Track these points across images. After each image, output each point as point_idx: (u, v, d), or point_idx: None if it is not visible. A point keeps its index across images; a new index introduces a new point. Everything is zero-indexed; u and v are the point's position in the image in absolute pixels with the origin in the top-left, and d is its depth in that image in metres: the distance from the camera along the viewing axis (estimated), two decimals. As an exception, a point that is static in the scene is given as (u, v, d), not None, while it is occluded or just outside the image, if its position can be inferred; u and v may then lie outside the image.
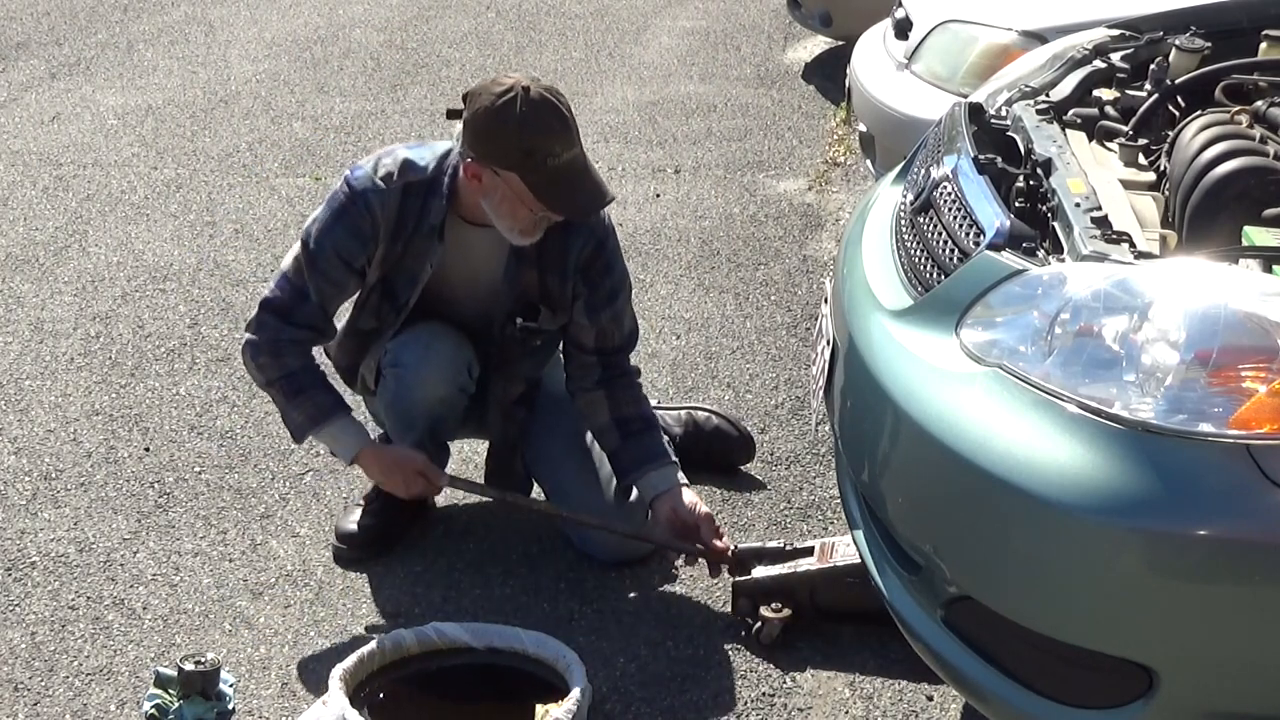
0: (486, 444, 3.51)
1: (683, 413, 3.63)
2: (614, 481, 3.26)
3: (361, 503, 3.37)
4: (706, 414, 3.64)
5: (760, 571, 3.05)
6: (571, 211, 3.00)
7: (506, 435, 3.33)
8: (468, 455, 3.62)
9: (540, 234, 3.03)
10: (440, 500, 3.50)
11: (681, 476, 3.18)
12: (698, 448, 3.56)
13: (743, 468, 3.62)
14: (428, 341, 3.17)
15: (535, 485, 3.38)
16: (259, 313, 3.11)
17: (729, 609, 3.09)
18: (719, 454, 3.61)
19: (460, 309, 3.22)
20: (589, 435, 3.30)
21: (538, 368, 3.34)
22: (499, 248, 3.11)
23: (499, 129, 2.87)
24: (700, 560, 3.15)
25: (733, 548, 3.14)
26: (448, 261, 3.11)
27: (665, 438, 3.27)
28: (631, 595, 3.19)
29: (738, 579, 3.07)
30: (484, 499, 3.45)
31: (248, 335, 3.11)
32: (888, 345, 2.47)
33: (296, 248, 3.11)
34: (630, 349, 3.27)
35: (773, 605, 3.01)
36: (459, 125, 2.99)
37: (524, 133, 2.86)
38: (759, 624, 3.01)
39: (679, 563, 3.22)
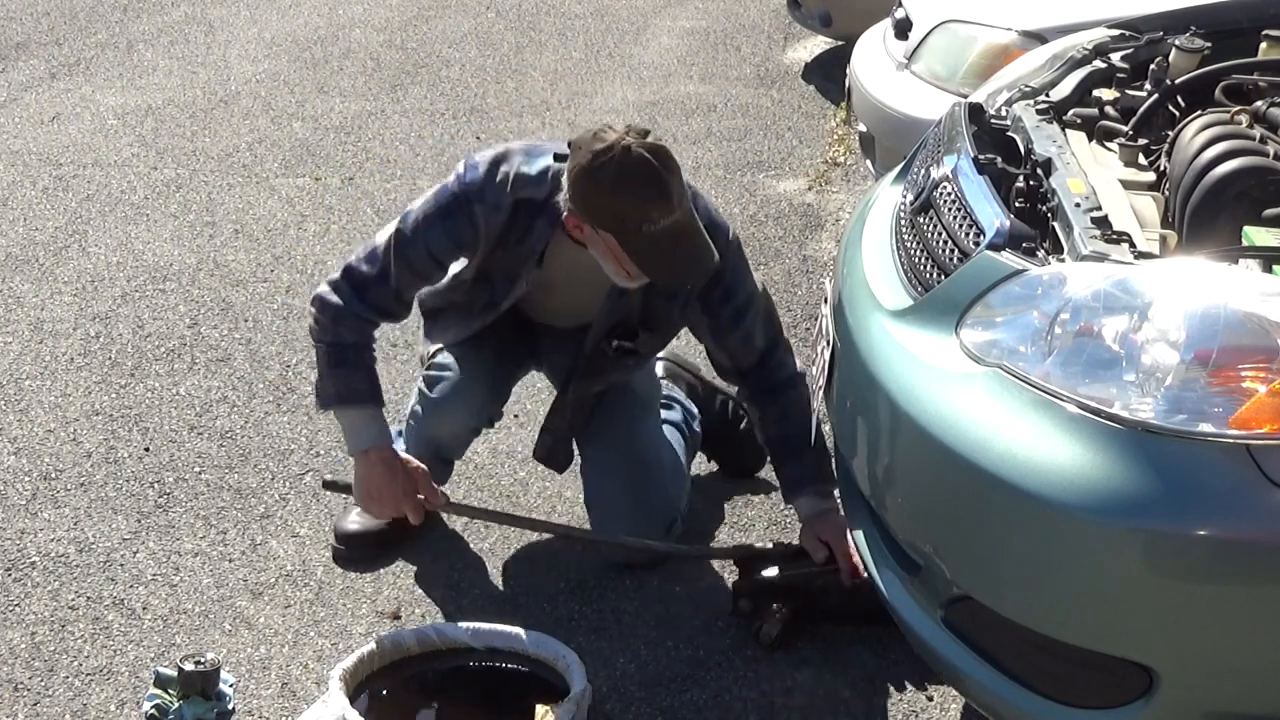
0: (483, 457, 3.51)
1: (731, 403, 3.59)
2: (655, 507, 3.23)
3: None
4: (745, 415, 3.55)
5: (761, 572, 3.05)
6: (665, 279, 2.89)
7: (576, 417, 3.25)
8: (470, 456, 3.62)
9: (646, 280, 2.91)
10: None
11: (828, 502, 3.06)
12: (726, 440, 3.54)
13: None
14: (462, 380, 3.18)
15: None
16: (340, 276, 3.04)
17: (729, 609, 3.09)
18: (738, 455, 3.59)
19: (555, 314, 3.20)
20: (647, 439, 3.27)
21: (627, 375, 3.29)
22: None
23: (594, 191, 2.76)
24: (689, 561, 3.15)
25: (733, 548, 3.15)
26: (550, 273, 3.03)
27: (816, 450, 3.10)
28: (631, 595, 3.19)
29: (738, 579, 3.07)
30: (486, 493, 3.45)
31: (323, 287, 3.06)
32: (888, 345, 2.47)
33: (393, 225, 3.02)
34: (772, 360, 3.13)
35: (773, 606, 3.01)
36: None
37: (618, 198, 2.75)
38: (759, 624, 3.01)
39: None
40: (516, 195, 2.92)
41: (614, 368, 3.20)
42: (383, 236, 3.03)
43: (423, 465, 3.16)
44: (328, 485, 3.30)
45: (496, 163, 2.96)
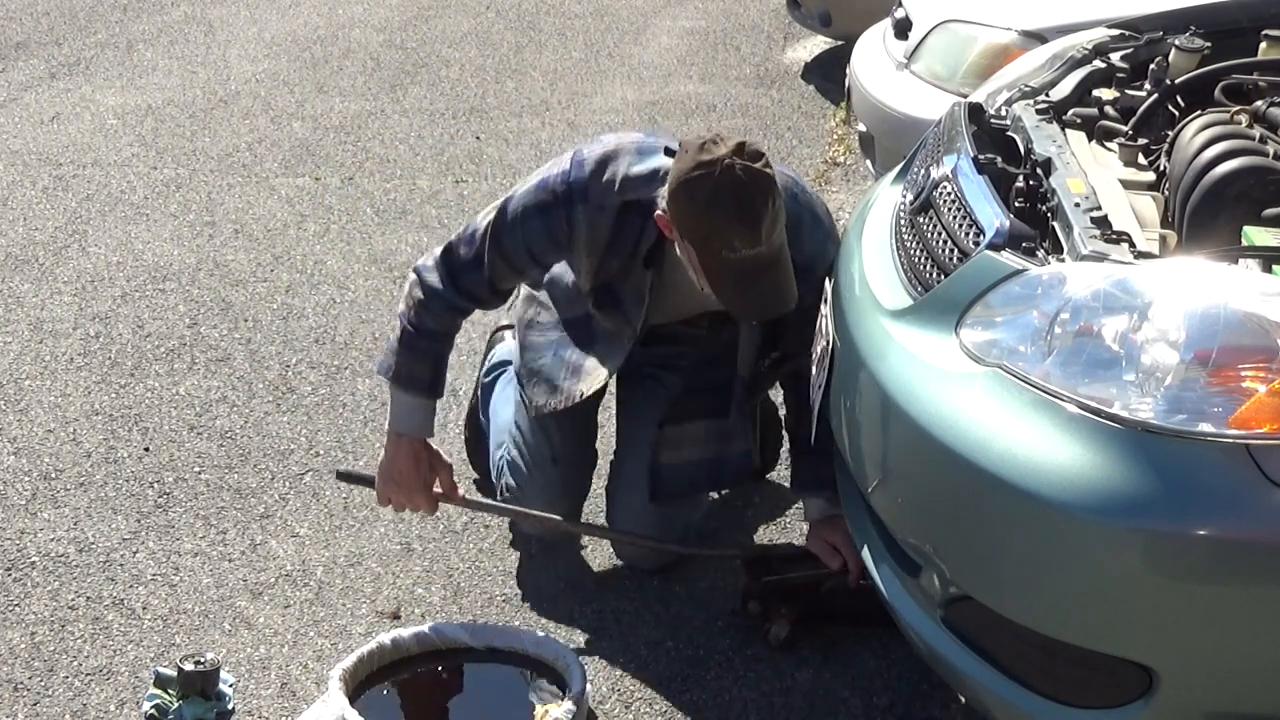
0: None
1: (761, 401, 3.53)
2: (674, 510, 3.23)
3: None
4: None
5: (770, 574, 3.05)
6: (736, 309, 2.85)
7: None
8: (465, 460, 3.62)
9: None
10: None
11: (838, 508, 2.99)
12: None
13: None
14: (546, 463, 3.18)
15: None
16: (440, 255, 2.98)
17: (729, 609, 3.09)
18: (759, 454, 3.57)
19: (660, 312, 3.08)
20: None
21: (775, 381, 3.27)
22: None
23: (686, 201, 2.68)
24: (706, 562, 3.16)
25: (741, 549, 3.16)
26: (662, 272, 2.96)
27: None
28: (631, 595, 3.19)
29: (747, 581, 3.07)
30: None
31: (425, 260, 3.01)
32: (888, 345, 2.47)
33: (495, 207, 2.95)
34: None
35: (782, 608, 3.00)
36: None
37: (708, 216, 2.66)
38: (768, 626, 3.01)
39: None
40: (624, 197, 2.85)
41: (770, 382, 3.18)
42: (483, 218, 2.96)
43: (449, 461, 3.15)
44: (341, 476, 3.28)
45: (605, 161, 2.89)
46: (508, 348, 3.45)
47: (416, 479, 3.08)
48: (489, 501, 3.29)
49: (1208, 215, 2.44)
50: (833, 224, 3.05)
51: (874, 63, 5.05)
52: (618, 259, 2.92)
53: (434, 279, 2.98)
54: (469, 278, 2.96)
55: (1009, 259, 2.32)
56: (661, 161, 2.86)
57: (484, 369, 3.54)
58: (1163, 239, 2.45)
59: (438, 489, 3.14)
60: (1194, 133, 2.59)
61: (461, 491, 3.19)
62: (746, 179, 2.66)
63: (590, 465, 3.32)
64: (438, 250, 3.01)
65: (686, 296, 3.01)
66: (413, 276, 3.02)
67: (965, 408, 2.23)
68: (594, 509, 3.41)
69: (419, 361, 3.02)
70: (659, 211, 2.77)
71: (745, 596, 3.06)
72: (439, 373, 3.05)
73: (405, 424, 3.06)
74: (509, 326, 3.47)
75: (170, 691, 2.79)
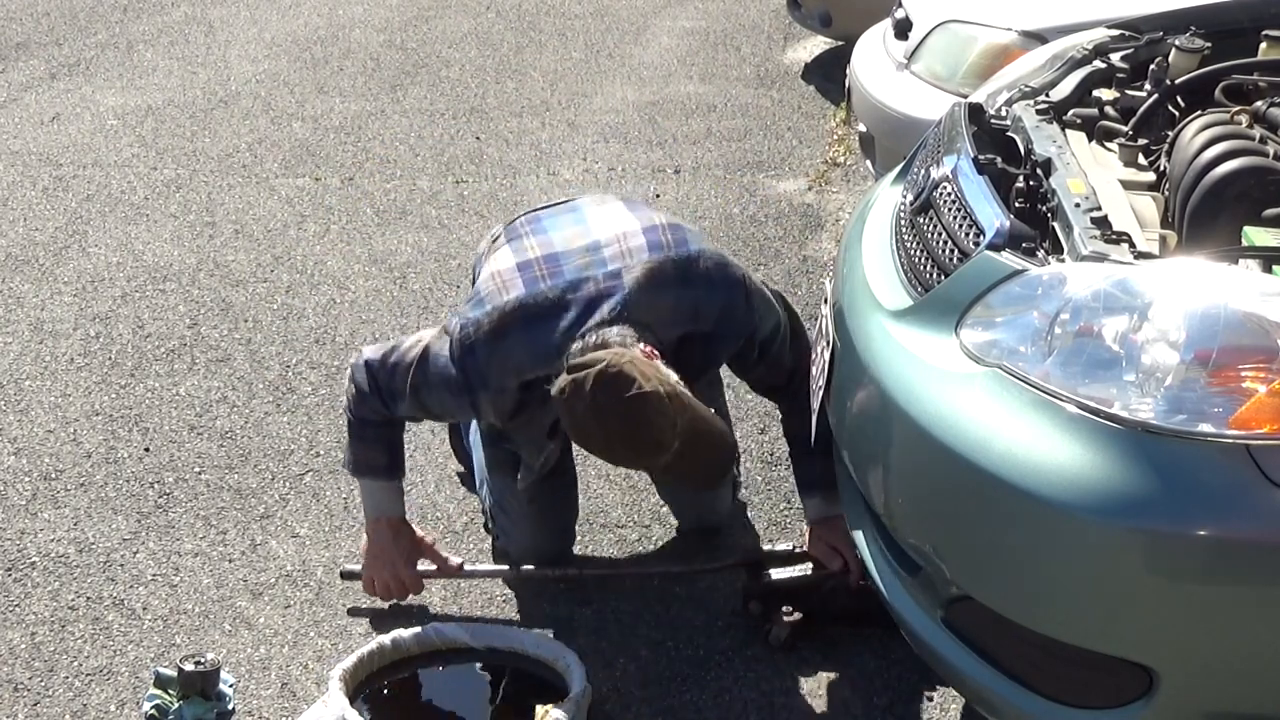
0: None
1: None
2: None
3: None
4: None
5: (772, 574, 3.05)
6: (689, 488, 3.08)
7: None
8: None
9: None
10: (440, 500, 3.50)
11: (835, 507, 2.99)
12: None
13: (744, 467, 3.61)
14: (540, 519, 3.20)
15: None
16: (364, 367, 2.98)
17: (729, 609, 3.09)
18: None
19: None
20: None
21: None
22: None
23: (589, 447, 2.76)
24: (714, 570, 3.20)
25: (745, 554, 3.17)
26: None
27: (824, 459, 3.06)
28: (631, 595, 3.19)
29: (748, 582, 3.07)
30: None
31: (357, 361, 3.01)
32: (888, 345, 2.47)
33: (418, 350, 2.92)
34: (798, 375, 3.03)
35: (783, 608, 3.00)
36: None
37: (611, 456, 2.78)
38: (769, 626, 3.01)
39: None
40: (522, 378, 2.84)
41: None
42: (409, 354, 2.93)
43: (430, 536, 3.17)
44: (345, 575, 3.23)
45: (495, 342, 2.84)
46: None
47: (397, 553, 3.10)
48: (490, 568, 3.25)
49: (1208, 215, 2.44)
50: (728, 264, 2.94)
51: (874, 63, 5.05)
52: (522, 415, 2.93)
53: (362, 380, 3.00)
54: (392, 402, 2.99)
55: (1009, 259, 2.32)
56: (551, 329, 2.80)
57: None
58: (1163, 239, 2.45)
59: (429, 567, 3.15)
60: (1194, 133, 2.59)
61: (458, 562, 3.19)
62: (620, 414, 2.60)
63: (572, 485, 3.30)
64: (366, 354, 3.00)
65: None
66: (349, 371, 3.05)
67: (965, 408, 2.23)
68: (590, 507, 3.41)
69: (371, 449, 3.08)
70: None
71: (746, 596, 3.07)
72: (394, 455, 3.10)
73: (376, 509, 3.13)
74: None
75: (170, 692, 2.80)
